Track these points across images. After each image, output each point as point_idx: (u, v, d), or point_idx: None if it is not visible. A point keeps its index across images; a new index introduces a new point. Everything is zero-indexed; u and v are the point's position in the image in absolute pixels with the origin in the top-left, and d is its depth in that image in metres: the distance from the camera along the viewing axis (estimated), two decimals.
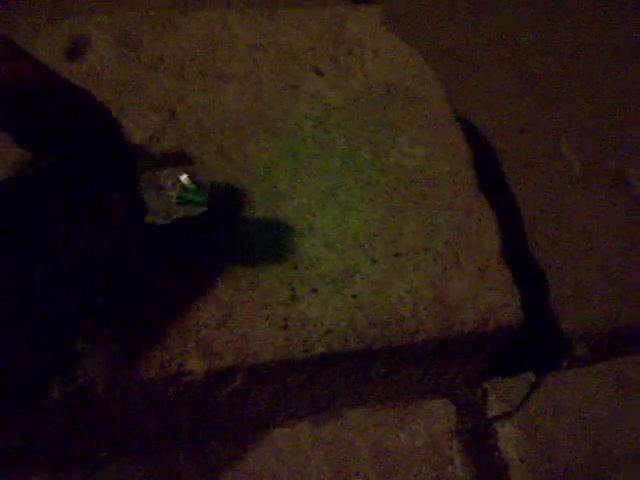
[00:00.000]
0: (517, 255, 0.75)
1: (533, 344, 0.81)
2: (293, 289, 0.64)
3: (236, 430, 0.72)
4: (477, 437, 0.76)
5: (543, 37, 1.14)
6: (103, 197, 0.52)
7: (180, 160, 0.67)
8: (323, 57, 0.79)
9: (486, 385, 0.80)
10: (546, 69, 1.10)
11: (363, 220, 0.68)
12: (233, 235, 0.66)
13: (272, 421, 0.74)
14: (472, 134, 0.80)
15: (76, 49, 0.76)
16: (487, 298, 0.67)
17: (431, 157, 0.74)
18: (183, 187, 0.58)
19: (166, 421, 0.68)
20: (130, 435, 0.70)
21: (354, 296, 0.64)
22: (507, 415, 0.79)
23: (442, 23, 1.12)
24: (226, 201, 0.67)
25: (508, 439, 0.76)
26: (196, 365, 0.60)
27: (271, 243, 0.66)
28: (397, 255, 0.67)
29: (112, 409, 0.63)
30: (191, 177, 0.58)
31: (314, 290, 0.64)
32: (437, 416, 0.77)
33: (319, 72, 0.78)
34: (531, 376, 0.82)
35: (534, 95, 1.06)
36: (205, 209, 0.59)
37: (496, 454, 0.76)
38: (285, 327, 0.62)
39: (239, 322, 0.61)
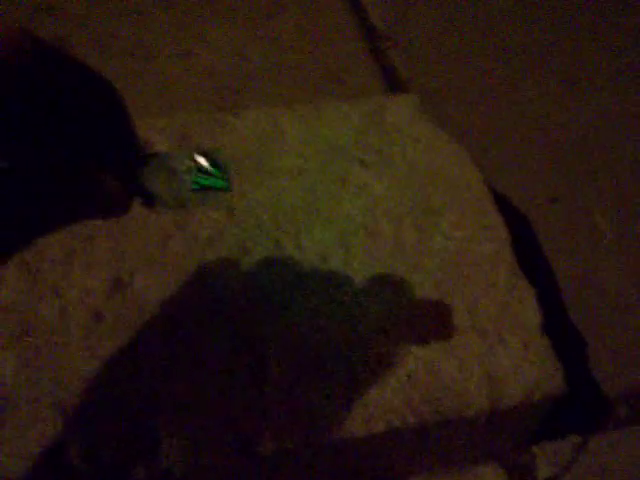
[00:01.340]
0: (555, 322, 0.80)
1: (577, 407, 0.85)
2: (353, 370, 0.69)
3: None
4: None
5: (567, 108, 1.20)
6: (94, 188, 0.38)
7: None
8: (367, 148, 0.86)
9: (534, 449, 0.84)
10: (573, 139, 1.15)
11: (413, 302, 0.74)
12: (293, 322, 0.71)
13: None
14: (504, 206, 0.85)
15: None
16: (532, 371, 0.72)
17: (473, 239, 0.79)
18: (200, 170, 0.47)
19: None
20: None
21: (409, 376, 0.70)
22: (555, 477, 0.83)
23: (470, 101, 1.18)
24: None
25: None
26: (266, 446, 0.66)
27: (329, 328, 0.71)
28: (446, 335, 0.72)
29: None
30: (209, 159, 0.48)
31: (372, 371, 0.69)
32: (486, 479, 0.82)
33: (364, 164, 0.84)
34: (577, 438, 0.86)
35: (564, 166, 1.11)
36: (227, 196, 0.49)
37: None
38: (347, 406, 0.67)
39: (304, 402, 0.67)
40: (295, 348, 0.70)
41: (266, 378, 0.68)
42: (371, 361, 0.70)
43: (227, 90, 1.16)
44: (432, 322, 0.73)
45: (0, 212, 0.34)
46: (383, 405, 0.68)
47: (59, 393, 0.67)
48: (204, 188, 0.46)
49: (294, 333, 0.71)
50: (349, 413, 0.67)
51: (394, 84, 1.23)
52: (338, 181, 0.83)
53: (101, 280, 0.74)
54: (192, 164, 0.47)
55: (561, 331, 0.85)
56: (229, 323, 0.71)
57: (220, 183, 0.47)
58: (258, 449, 0.65)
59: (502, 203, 0.86)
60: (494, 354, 0.72)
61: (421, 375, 0.70)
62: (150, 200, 0.45)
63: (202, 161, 0.47)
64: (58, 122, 0.35)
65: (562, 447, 0.85)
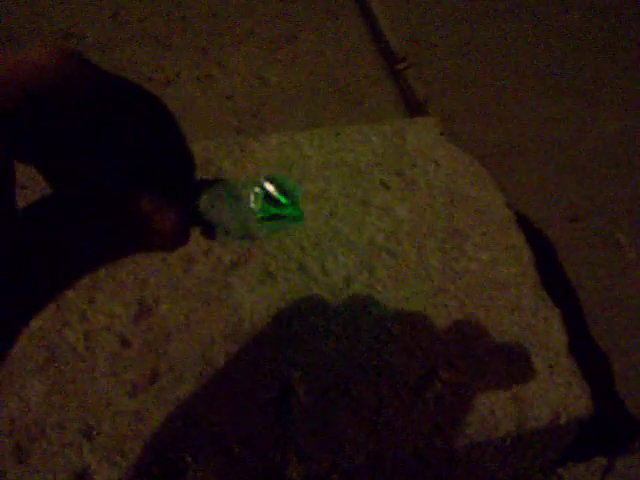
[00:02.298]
0: (580, 342, 0.79)
1: (603, 427, 0.85)
2: (380, 395, 0.69)
3: None
4: None
5: (586, 127, 1.20)
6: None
7: None
8: (389, 171, 0.86)
9: (560, 471, 0.84)
10: (592, 157, 1.15)
11: (438, 325, 0.74)
12: (318, 347, 0.71)
13: None
14: (525, 226, 0.85)
15: None
16: (558, 393, 0.72)
17: (496, 261, 0.79)
18: (269, 197, 0.40)
19: None
20: None
21: (436, 399, 0.70)
22: None
23: (488, 121, 1.18)
24: None
25: None
26: (293, 470, 0.65)
27: (356, 353, 0.71)
28: (472, 357, 0.72)
29: None
30: (277, 185, 0.40)
31: (399, 396, 0.69)
32: None
33: (386, 186, 0.84)
34: (603, 460, 0.85)
35: (583, 184, 1.11)
36: (300, 224, 0.42)
37: None
38: (375, 431, 0.67)
39: (333, 429, 0.67)
40: (321, 373, 0.70)
41: (292, 402, 0.68)
42: (398, 385, 0.70)
43: (246, 113, 1.17)
44: (458, 345, 0.73)
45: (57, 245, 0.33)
46: (410, 429, 0.67)
47: (86, 419, 0.67)
48: (273, 217, 0.40)
49: (320, 358, 0.71)
50: (376, 438, 0.67)
51: (411, 106, 1.23)
52: (361, 204, 0.83)
53: (126, 305, 0.74)
54: (259, 191, 0.40)
55: (586, 350, 0.85)
56: (254, 347, 0.71)
57: (290, 210, 0.40)
58: (285, 474, 0.65)
59: (523, 223, 0.86)
60: (520, 376, 0.72)
61: (448, 398, 0.70)
62: (211, 230, 0.40)
63: (270, 188, 0.40)
64: (118, 148, 0.34)
65: (588, 469, 0.85)
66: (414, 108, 1.21)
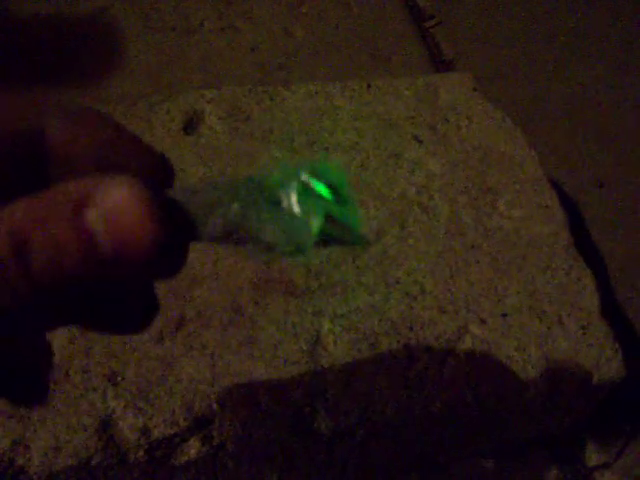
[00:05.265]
0: (609, 307, 0.78)
1: (628, 394, 0.84)
2: (410, 349, 0.68)
3: None
4: None
5: (616, 93, 1.17)
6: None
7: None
8: (421, 125, 0.84)
9: (584, 435, 0.83)
10: (622, 125, 1.13)
11: (470, 282, 0.72)
12: (348, 300, 0.70)
13: (381, 474, 0.78)
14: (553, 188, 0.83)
15: (191, 123, 0.82)
16: (590, 354, 0.71)
17: (529, 219, 0.78)
18: (314, 196, 0.27)
19: (286, 475, 0.72)
20: None
21: (467, 355, 0.68)
22: (606, 465, 0.81)
23: (516, 83, 1.16)
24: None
25: None
26: (323, 423, 0.64)
27: (386, 307, 0.70)
28: (504, 315, 0.71)
29: (240, 464, 0.68)
30: (323, 179, 0.27)
31: (429, 350, 0.68)
32: (537, 466, 0.81)
33: (418, 140, 0.82)
34: (627, 426, 0.84)
35: (611, 150, 1.09)
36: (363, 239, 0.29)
37: None
38: (406, 386, 0.66)
39: (362, 382, 0.66)
40: (351, 325, 0.68)
41: (321, 354, 0.67)
42: (429, 340, 0.68)
43: (271, 66, 1.15)
44: (490, 301, 0.71)
45: None
46: (441, 384, 0.66)
47: (111, 364, 0.66)
48: (329, 237, 0.28)
49: (350, 310, 0.69)
50: (406, 392, 0.66)
51: (439, 64, 1.21)
52: (392, 157, 0.81)
53: None
54: (295, 185, 0.27)
55: (615, 316, 0.83)
56: (284, 297, 0.70)
57: (352, 224, 0.28)
58: (313, 426, 0.64)
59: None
60: (552, 336, 0.71)
61: (479, 355, 0.68)
62: (248, 246, 0.28)
63: (316, 185, 0.27)
64: None
65: (612, 435, 0.84)
66: (442, 66, 1.19)
